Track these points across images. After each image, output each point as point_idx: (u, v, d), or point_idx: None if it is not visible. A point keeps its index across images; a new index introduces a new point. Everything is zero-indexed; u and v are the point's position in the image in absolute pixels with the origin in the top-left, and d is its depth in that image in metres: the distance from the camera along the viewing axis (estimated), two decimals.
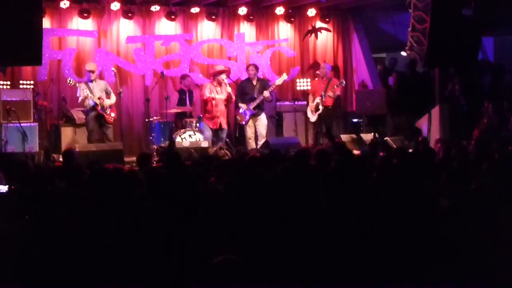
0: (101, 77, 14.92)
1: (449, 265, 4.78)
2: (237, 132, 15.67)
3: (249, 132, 14.82)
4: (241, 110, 14.92)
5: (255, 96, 14.69)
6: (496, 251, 4.96)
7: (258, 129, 14.80)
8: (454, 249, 4.92)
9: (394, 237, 5.04)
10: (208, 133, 14.33)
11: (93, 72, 13.97)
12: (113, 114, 14.09)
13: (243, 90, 14.96)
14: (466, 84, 16.25)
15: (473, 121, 14.90)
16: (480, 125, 14.36)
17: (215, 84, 14.62)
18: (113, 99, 14.17)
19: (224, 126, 14.65)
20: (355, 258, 4.76)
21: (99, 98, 13.75)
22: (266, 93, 14.63)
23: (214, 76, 14.78)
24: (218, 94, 14.53)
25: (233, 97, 14.81)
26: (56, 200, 6.02)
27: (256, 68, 15.14)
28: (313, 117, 15.14)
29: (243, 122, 14.82)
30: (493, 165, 7.21)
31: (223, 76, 14.60)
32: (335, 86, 14.93)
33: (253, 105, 14.67)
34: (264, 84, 15.02)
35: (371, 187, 6.53)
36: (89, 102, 13.78)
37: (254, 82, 14.89)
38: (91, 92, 13.73)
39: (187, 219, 5.35)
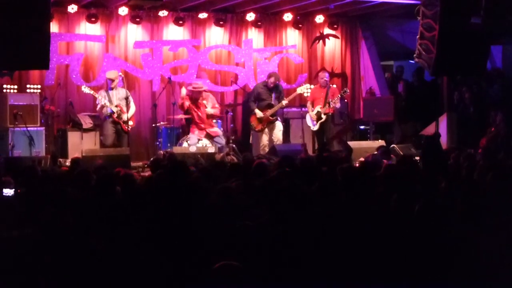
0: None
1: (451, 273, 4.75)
2: (251, 138, 15.50)
3: (265, 139, 14.65)
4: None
5: (273, 103, 14.59)
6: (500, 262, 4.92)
7: (275, 135, 14.65)
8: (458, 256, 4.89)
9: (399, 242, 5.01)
10: (194, 139, 14.05)
11: (113, 80, 13.91)
12: (131, 123, 14.00)
13: (259, 96, 14.73)
14: (475, 92, 16.22)
15: (481, 129, 14.87)
16: (488, 133, 14.32)
17: (190, 101, 14.18)
18: (132, 108, 14.09)
19: (214, 134, 14.23)
20: (357, 262, 4.74)
21: (116, 106, 13.73)
22: (285, 102, 14.54)
23: (192, 93, 14.28)
24: (197, 109, 14.14)
25: (217, 114, 14.46)
26: (63, 205, 6.00)
27: (278, 78, 14.96)
28: (314, 127, 14.98)
29: (258, 129, 14.66)
30: (499, 174, 7.16)
31: (205, 102, 14.17)
32: (339, 96, 14.78)
33: (271, 112, 14.54)
34: (280, 89, 14.92)
35: (378, 193, 6.51)
36: (107, 110, 13.78)
37: (271, 89, 14.77)
38: (109, 100, 13.72)
39: (187, 227, 5.32)
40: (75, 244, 4.65)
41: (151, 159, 12.96)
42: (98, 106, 13.93)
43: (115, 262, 4.60)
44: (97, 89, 14.44)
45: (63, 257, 4.54)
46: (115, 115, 13.74)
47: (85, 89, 13.95)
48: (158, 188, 6.83)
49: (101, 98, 13.71)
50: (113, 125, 13.88)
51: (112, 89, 13.92)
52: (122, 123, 13.82)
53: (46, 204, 6.12)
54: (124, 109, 13.83)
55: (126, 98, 13.93)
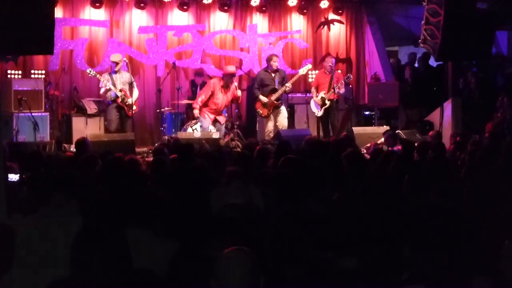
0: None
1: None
2: (257, 125, 15.45)
3: (270, 125, 14.56)
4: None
5: (276, 87, 14.52)
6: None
7: (280, 121, 14.57)
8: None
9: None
10: (206, 123, 14.16)
11: (117, 63, 13.87)
12: (134, 107, 14.00)
13: (263, 82, 14.59)
14: (480, 77, 16.18)
15: (486, 115, 14.83)
16: (494, 118, 14.28)
17: (222, 83, 14.14)
18: (136, 93, 14.08)
19: (220, 122, 14.26)
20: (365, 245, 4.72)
21: (120, 90, 13.70)
22: (289, 85, 14.46)
23: (224, 76, 14.33)
24: (222, 93, 14.08)
25: (240, 99, 14.48)
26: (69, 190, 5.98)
27: (276, 58, 14.80)
28: (319, 112, 14.92)
29: (264, 115, 14.60)
30: (506, 159, 7.16)
31: (235, 84, 14.25)
32: (343, 81, 14.74)
33: (275, 96, 14.45)
34: (283, 74, 14.84)
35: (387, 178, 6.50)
36: (111, 94, 13.74)
37: (273, 74, 14.59)
38: (113, 84, 13.68)
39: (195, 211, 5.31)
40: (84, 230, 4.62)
41: (156, 144, 12.96)
42: (102, 90, 13.87)
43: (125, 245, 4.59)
44: (101, 74, 14.39)
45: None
46: (119, 100, 13.72)
47: (91, 73, 13.90)
48: (167, 172, 6.81)
49: (106, 82, 13.68)
50: (117, 110, 13.86)
51: (116, 72, 13.89)
52: (126, 107, 13.81)
53: (52, 189, 6.11)
54: (128, 93, 13.82)
55: (130, 83, 13.93)
